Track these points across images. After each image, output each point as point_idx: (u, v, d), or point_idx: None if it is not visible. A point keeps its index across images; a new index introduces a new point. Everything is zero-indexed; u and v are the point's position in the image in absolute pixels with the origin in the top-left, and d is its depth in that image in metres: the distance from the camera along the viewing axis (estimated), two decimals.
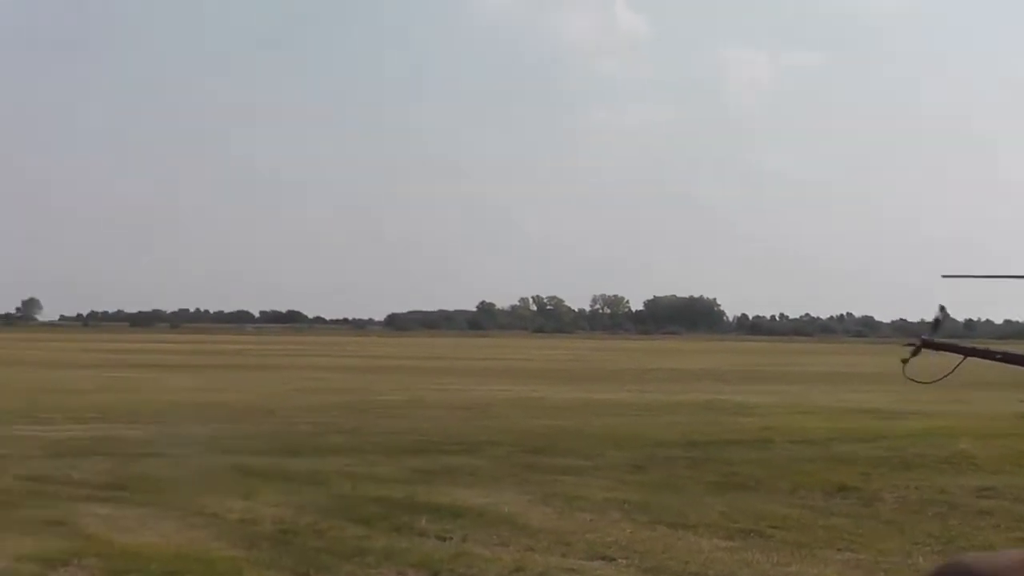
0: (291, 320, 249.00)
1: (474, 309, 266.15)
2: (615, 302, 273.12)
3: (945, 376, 12.57)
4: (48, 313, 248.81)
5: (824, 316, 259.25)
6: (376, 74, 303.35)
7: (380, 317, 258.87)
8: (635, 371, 59.77)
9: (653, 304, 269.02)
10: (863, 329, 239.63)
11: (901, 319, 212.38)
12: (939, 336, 12.35)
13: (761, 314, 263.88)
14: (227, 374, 51.38)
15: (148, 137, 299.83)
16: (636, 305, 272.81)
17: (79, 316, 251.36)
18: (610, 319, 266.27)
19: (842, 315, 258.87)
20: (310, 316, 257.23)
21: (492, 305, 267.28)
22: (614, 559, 11.80)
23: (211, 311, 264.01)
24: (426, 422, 26.43)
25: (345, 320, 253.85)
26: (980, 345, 13.39)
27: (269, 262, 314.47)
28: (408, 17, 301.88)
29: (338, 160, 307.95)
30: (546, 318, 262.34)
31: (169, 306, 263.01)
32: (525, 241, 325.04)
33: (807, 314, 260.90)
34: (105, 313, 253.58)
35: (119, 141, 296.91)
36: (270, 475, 17.24)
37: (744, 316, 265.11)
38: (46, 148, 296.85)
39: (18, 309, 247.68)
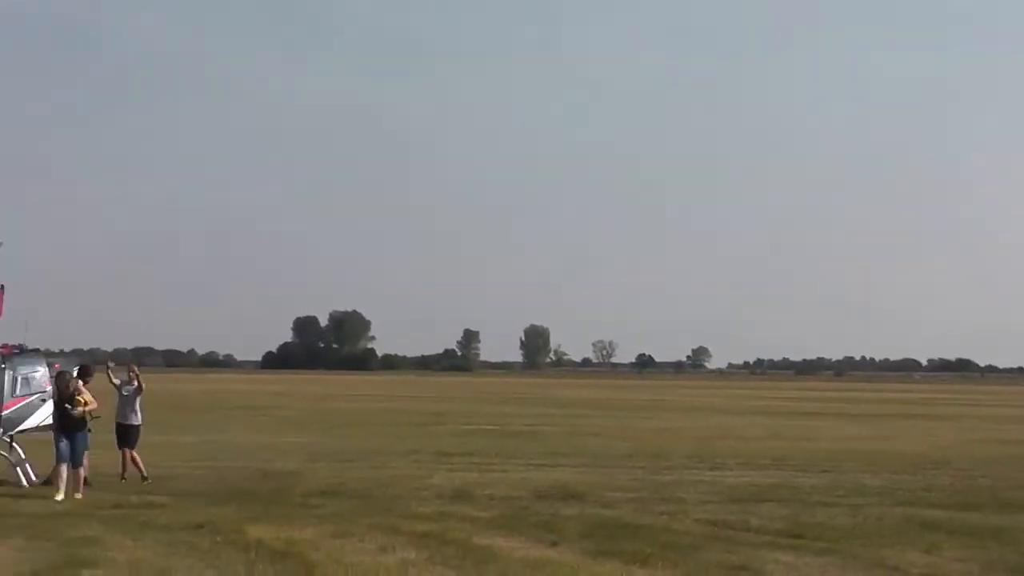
0: (961, 368, 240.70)
1: None
2: None
3: None
4: (717, 361, 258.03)
5: None
6: None
7: None
8: None
9: None
10: None
11: None
12: None
13: None
14: (896, 423, 50.31)
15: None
16: None
17: (745, 363, 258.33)
18: None
19: None
20: (981, 364, 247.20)
21: None
22: None
23: (876, 359, 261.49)
24: None
25: (1020, 369, 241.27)
26: None
27: (940, 310, 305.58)
28: None
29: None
30: None
31: (834, 354, 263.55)
32: None
33: None
34: (771, 361, 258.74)
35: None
36: (951, 529, 16.43)
37: None
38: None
39: (688, 357, 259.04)
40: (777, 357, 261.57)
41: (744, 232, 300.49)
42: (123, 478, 21.39)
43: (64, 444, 19.13)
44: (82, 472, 19.34)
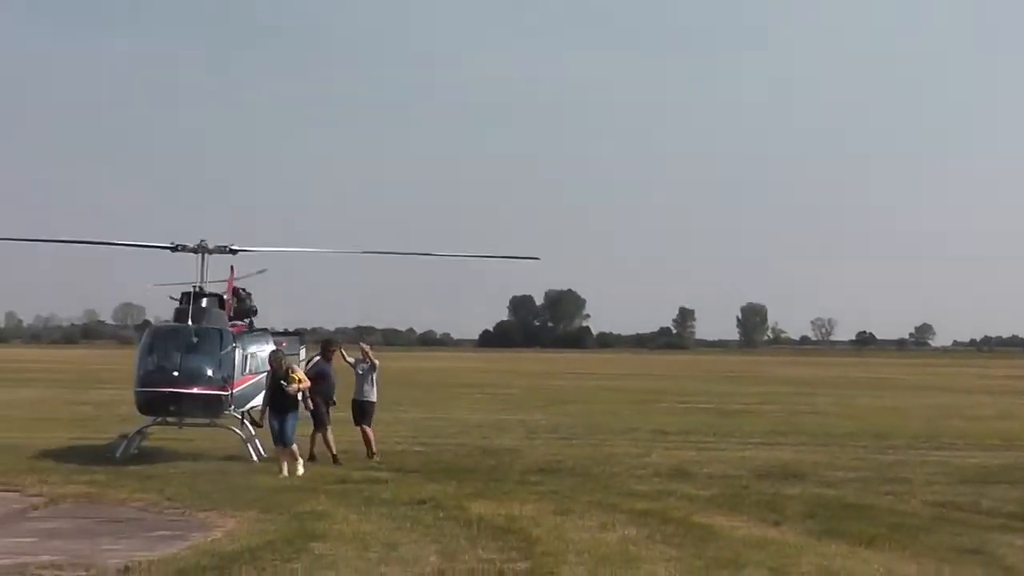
0: None
1: None
2: None
3: None
4: (941, 338, 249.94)
5: None
6: None
7: None
8: None
9: None
10: None
11: None
12: None
13: None
14: None
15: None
16: None
17: (972, 341, 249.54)
18: None
19: None
20: None
21: None
22: None
23: None
24: None
25: None
26: None
27: None
28: None
29: None
30: None
31: None
32: None
33: None
34: (999, 338, 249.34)
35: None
36: None
37: None
38: None
39: (911, 335, 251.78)
40: (1006, 334, 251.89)
41: (971, 209, 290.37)
42: (372, 454, 21.76)
43: (277, 424, 19.58)
44: (295, 448, 19.75)
